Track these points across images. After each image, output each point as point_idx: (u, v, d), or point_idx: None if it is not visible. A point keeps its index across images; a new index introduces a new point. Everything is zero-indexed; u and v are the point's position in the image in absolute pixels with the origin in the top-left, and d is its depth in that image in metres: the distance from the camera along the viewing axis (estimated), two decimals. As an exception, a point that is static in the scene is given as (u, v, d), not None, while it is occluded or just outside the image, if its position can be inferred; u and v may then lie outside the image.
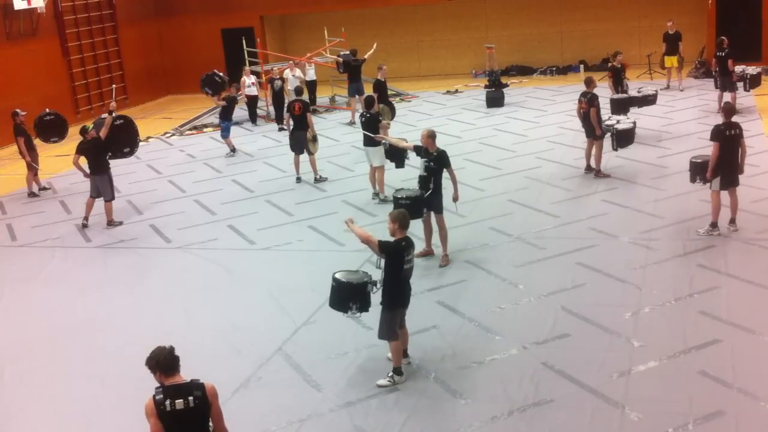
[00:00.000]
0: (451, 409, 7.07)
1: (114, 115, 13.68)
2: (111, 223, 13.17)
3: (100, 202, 13.19)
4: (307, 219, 12.68)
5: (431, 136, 10.14)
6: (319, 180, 14.79)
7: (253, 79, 20.54)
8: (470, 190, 13.37)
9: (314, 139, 14.51)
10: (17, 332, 9.54)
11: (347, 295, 7.62)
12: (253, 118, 21.02)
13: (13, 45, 21.23)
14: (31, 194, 15.54)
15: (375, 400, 7.32)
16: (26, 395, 8.03)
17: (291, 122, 14.73)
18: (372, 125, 12.82)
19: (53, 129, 16.31)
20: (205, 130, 20.78)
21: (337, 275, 7.75)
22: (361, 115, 13.40)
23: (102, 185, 13.05)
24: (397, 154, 12.43)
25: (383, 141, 12.78)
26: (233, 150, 17.69)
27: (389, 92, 20.34)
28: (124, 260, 11.72)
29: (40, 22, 21.96)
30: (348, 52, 20.44)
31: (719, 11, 22.96)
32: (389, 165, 12.69)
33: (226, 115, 17.47)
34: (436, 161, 10.05)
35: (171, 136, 20.60)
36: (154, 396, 5.11)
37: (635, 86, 17.81)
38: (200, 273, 10.92)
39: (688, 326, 8.12)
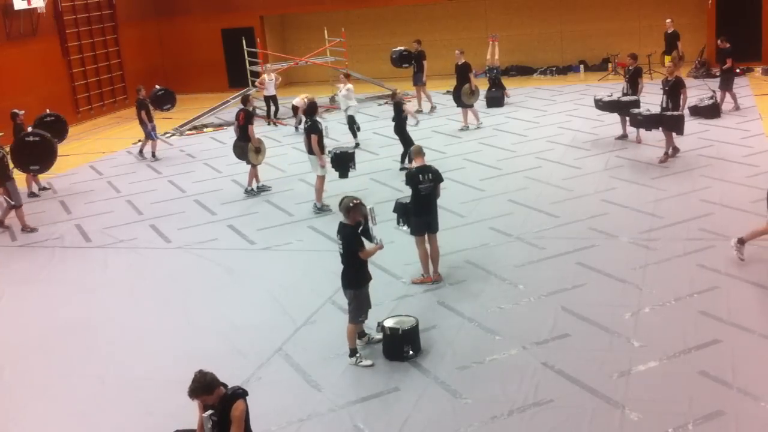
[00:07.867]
0: (451, 409, 7.07)
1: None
2: (24, 228, 13.26)
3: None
4: (307, 219, 12.67)
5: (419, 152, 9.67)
6: (250, 192, 14.20)
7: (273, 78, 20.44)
8: (470, 190, 13.38)
9: (258, 150, 13.99)
10: (17, 332, 9.53)
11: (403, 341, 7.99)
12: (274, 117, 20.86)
13: (13, 45, 21.24)
14: (31, 194, 15.55)
15: (375, 400, 7.32)
16: (26, 395, 8.03)
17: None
18: (312, 133, 12.54)
19: (53, 130, 16.28)
20: (205, 130, 20.77)
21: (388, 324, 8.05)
22: (305, 122, 13.07)
23: (12, 190, 13.21)
24: (342, 164, 12.25)
25: (327, 150, 12.68)
26: (153, 155, 17.85)
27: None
28: (124, 260, 11.72)
29: (40, 22, 21.98)
30: (401, 48, 20.93)
31: (719, 11, 22.97)
32: (332, 175, 12.80)
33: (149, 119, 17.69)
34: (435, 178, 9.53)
35: (171, 136, 20.60)
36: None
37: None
38: (200, 273, 10.91)
39: (688, 326, 8.11)
